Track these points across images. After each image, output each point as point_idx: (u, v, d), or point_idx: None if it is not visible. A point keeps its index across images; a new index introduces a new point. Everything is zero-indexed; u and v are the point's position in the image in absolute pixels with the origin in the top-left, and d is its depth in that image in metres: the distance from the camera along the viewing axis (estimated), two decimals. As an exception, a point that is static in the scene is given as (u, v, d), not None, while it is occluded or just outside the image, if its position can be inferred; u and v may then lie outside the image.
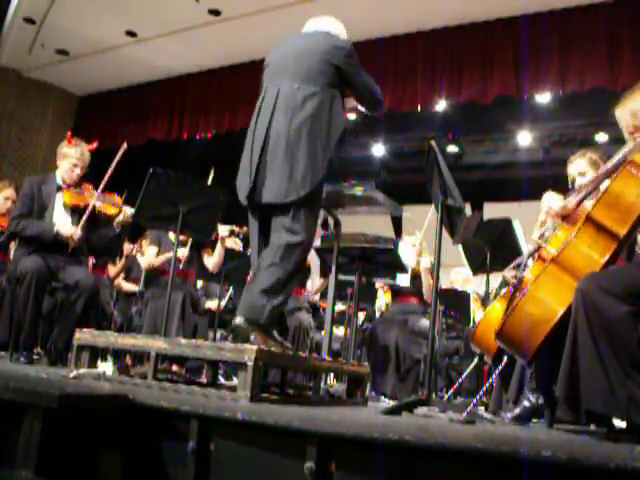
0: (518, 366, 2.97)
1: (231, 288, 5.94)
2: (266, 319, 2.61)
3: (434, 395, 3.69)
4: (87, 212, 3.89)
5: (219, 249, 4.85)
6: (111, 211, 4.01)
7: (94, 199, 3.93)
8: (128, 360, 4.51)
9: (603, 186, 2.22)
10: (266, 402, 2.28)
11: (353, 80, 2.96)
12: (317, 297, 5.95)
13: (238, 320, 2.61)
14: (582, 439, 2.04)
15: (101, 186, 3.97)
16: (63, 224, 3.83)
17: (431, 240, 3.12)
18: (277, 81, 2.93)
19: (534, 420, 2.76)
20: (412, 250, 4.92)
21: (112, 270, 5.81)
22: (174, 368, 4.14)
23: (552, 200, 2.98)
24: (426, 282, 4.85)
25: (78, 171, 3.97)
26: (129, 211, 3.96)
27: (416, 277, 4.88)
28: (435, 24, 6.64)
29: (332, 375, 5.69)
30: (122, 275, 5.88)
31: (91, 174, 4.12)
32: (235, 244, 5.60)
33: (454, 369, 5.59)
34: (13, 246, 4.28)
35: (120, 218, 4.00)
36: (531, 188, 6.64)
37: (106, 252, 4.54)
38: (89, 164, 4.07)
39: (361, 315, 6.75)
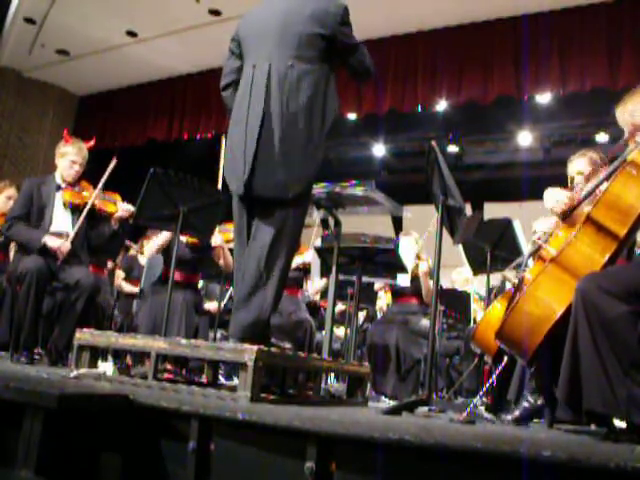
0: (518, 366, 2.97)
1: (231, 288, 5.93)
2: (258, 334, 2.54)
3: (434, 395, 3.69)
4: (86, 210, 3.88)
5: (227, 253, 4.82)
6: (110, 209, 4.01)
7: (94, 197, 3.93)
8: (128, 360, 4.50)
9: (603, 187, 2.22)
10: (266, 402, 2.28)
11: (348, 56, 2.73)
12: (317, 297, 5.95)
13: (232, 343, 2.52)
14: (582, 439, 2.04)
15: (99, 185, 3.96)
16: (51, 237, 3.76)
17: (431, 241, 3.12)
18: (265, 55, 2.67)
19: (534, 420, 2.76)
20: (410, 250, 4.92)
21: (119, 275, 5.81)
22: (168, 366, 4.12)
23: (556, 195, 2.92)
24: (424, 286, 4.85)
25: (77, 167, 3.97)
26: (126, 207, 3.95)
27: (416, 277, 4.89)
28: (435, 24, 6.64)
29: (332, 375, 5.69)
30: (122, 275, 5.88)
31: (91, 174, 4.12)
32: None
33: (454, 369, 5.59)
34: (13, 246, 4.28)
35: (118, 215, 4.00)
36: (531, 188, 6.63)
37: (105, 250, 4.53)
38: (89, 163, 4.08)
39: (361, 315, 6.75)
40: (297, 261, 5.00)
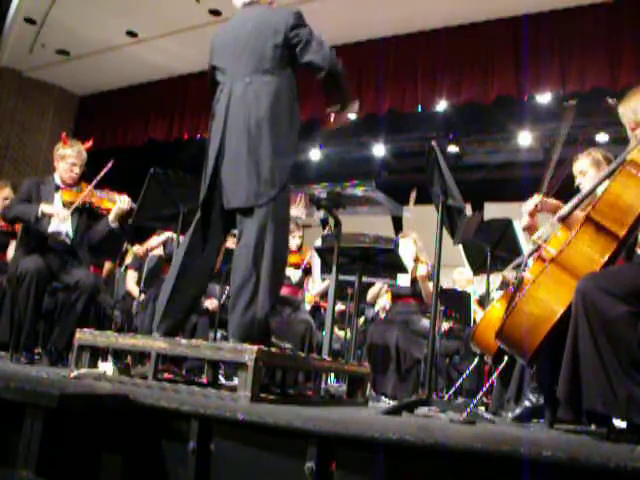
0: (518, 366, 2.97)
1: (227, 287, 5.90)
2: (258, 333, 2.55)
3: (434, 395, 3.69)
4: (80, 200, 3.86)
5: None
6: (108, 206, 3.99)
7: (85, 193, 3.91)
8: (129, 360, 4.50)
9: (603, 186, 2.22)
10: (266, 402, 2.28)
11: (302, 56, 2.74)
12: (317, 297, 5.95)
13: (232, 343, 2.53)
14: (582, 439, 2.04)
15: (93, 182, 3.95)
16: (46, 205, 3.80)
17: (431, 241, 3.11)
18: (227, 75, 2.89)
19: (534, 420, 2.76)
20: (409, 251, 4.91)
21: (130, 279, 5.77)
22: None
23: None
24: (424, 289, 4.84)
25: (77, 170, 3.97)
26: (126, 201, 3.93)
27: (416, 279, 4.88)
28: (435, 24, 6.64)
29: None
30: (135, 278, 5.82)
31: (90, 175, 4.12)
32: (235, 244, 5.56)
33: (454, 369, 5.59)
34: (13, 245, 4.28)
35: (117, 211, 3.97)
36: (531, 188, 6.63)
37: (105, 250, 4.52)
38: (87, 164, 4.08)
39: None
40: (297, 273, 4.94)
